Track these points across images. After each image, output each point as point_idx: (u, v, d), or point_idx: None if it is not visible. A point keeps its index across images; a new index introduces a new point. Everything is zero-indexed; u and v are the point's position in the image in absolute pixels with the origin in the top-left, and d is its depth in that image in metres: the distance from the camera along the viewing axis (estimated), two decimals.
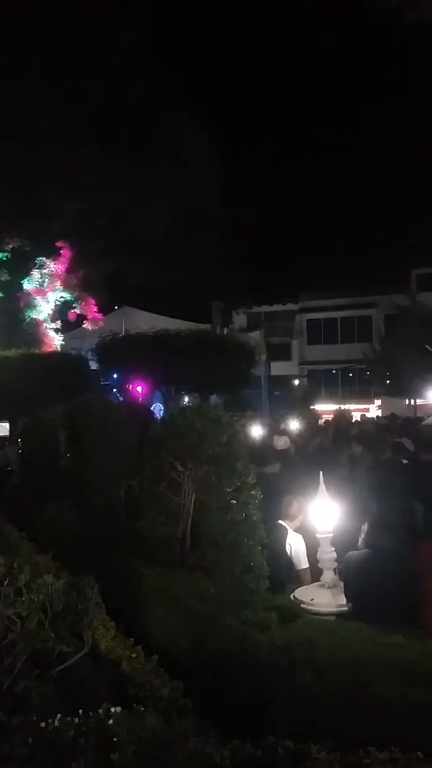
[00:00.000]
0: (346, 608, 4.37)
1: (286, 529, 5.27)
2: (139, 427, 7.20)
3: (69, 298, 18.80)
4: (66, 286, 18.54)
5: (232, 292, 24.20)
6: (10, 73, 16.67)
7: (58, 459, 8.23)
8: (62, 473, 7.96)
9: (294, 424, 13.56)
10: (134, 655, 3.72)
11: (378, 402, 31.21)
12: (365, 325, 34.96)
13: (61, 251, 18.35)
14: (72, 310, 19.00)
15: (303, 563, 5.16)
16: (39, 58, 16.80)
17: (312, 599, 4.58)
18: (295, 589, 4.87)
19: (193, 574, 4.85)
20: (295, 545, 5.20)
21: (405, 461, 7.52)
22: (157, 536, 5.26)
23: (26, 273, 18.20)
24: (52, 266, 18.20)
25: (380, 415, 22.23)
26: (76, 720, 2.05)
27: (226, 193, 21.52)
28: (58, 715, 2.07)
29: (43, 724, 2.04)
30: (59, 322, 19.06)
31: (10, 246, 17.78)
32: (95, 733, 1.98)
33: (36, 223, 17.53)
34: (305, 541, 5.19)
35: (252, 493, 4.39)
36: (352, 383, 35.33)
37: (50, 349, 18.16)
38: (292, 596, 4.72)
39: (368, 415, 22.24)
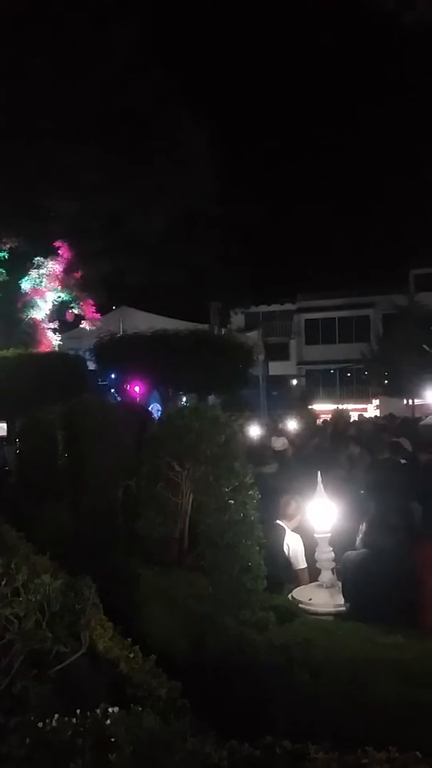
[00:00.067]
0: (344, 608, 4.37)
1: (284, 529, 5.27)
2: (137, 427, 7.20)
3: (67, 298, 18.78)
4: (64, 286, 18.51)
5: (231, 292, 24.19)
6: (10, 73, 16.66)
7: (56, 459, 8.23)
8: (60, 473, 7.96)
9: (292, 424, 13.58)
10: (132, 655, 3.71)
11: (376, 402, 31.25)
12: (363, 325, 35.00)
13: (60, 251, 18.34)
14: (70, 310, 18.98)
15: (301, 563, 5.17)
16: (39, 58, 16.79)
17: (310, 599, 4.58)
18: (293, 589, 4.87)
19: (191, 574, 4.85)
20: (293, 545, 5.20)
21: (403, 461, 7.53)
22: (154, 536, 5.26)
23: (24, 273, 18.17)
24: (51, 266, 18.18)
25: (378, 415, 22.27)
26: (74, 720, 2.04)
27: (226, 193, 21.51)
28: (56, 716, 2.07)
29: (40, 724, 2.03)
30: (57, 322, 19.03)
31: (8, 246, 17.76)
32: (93, 733, 1.97)
33: (34, 223, 17.50)
34: (303, 541, 5.19)
35: (250, 493, 4.39)
36: (350, 383, 35.36)
37: (48, 349, 18.14)
38: (290, 596, 4.72)
39: (366, 415, 22.28)
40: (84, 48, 17.24)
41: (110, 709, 2.09)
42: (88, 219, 18.64)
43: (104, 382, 19.20)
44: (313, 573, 4.97)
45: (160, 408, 16.68)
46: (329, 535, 4.76)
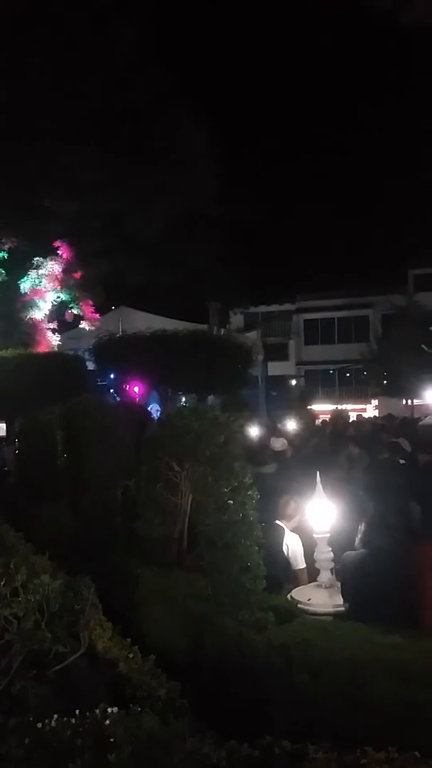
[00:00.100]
0: (343, 608, 4.38)
1: (283, 529, 5.28)
2: (136, 428, 7.19)
3: (66, 299, 18.77)
4: (63, 287, 18.50)
5: (230, 293, 24.19)
6: (10, 73, 16.65)
7: (55, 459, 8.22)
8: (59, 474, 7.95)
9: (291, 425, 13.58)
10: (131, 656, 3.71)
11: (375, 402, 31.25)
12: (362, 326, 35.01)
13: (59, 251, 18.33)
14: (69, 311, 18.97)
15: (300, 563, 5.17)
16: (39, 58, 16.77)
17: (309, 599, 4.59)
18: (292, 589, 4.88)
19: (190, 575, 4.85)
20: (292, 545, 5.21)
21: (402, 461, 7.53)
22: (154, 536, 5.26)
23: (24, 273, 18.16)
24: (50, 266, 18.17)
25: (377, 415, 22.27)
26: (73, 720, 2.04)
27: (226, 193, 21.51)
28: (55, 716, 2.07)
29: (39, 725, 2.04)
30: (56, 322, 19.02)
31: (8, 246, 17.75)
32: (92, 733, 1.98)
33: (34, 223, 17.49)
34: (302, 542, 5.20)
35: (249, 493, 4.39)
36: (349, 383, 35.36)
37: (47, 350, 18.12)
38: (289, 596, 4.73)
39: (365, 415, 22.28)
40: (84, 48, 17.23)
41: (109, 710, 2.09)
42: (87, 219, 18.63)
43: (103, 383, 19.18)
44: (312, 573, 4.98)
45: (159, 408, 16.66)
46: (328, 535, 4.76)
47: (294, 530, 5.30)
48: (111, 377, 18.87)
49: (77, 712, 2.09)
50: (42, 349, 18.01)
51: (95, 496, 6.68)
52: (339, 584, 4.56)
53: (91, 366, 17.84)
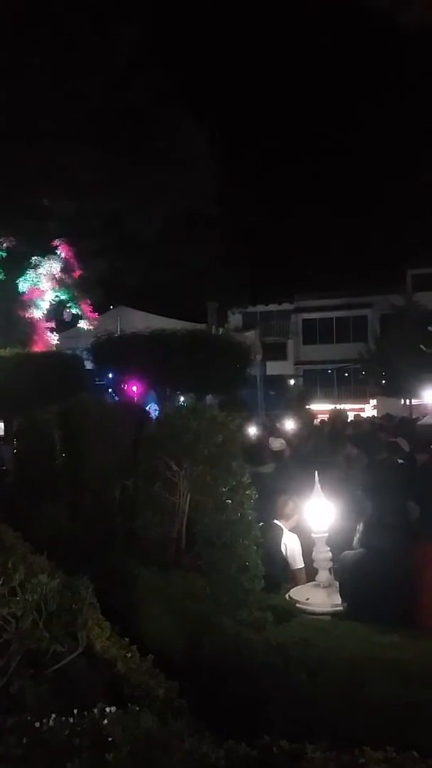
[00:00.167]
0: (341, 608, 4.38)
1: (282, 528, 5.28)
2: (135, 427, 7.19)
3: (65, 298, 18.76)
4: (62, 286, 18.50)
5: (229, 292, 24.22)
6: (10, 73, 16.63)
7: (53, 459, 8.21)
8: (57, 473, 7.93)
9: (289, 424, 13.57)
10: (129, 655, 3.71)
11: (373, 402, 31.28)
12: (361, 325, 35.02)
13: (58, 251, 18.33)
14: (68, 310, 18.97)
15: (298, 563, 5.17)
16: (39, 58, 16.76)
17: (307, 599, 4.59)
18: (291, 588, 4.88)
19: (189, 574, 4.84)
20: (290, 545, 5.21)
21: (400, 461, 7.53)
22: (152, 536, 5.25)
23: (22, 272, 18.15)
24: (49, 265, 18.16)
25: (375, 415, 22.28)
26: (71, 720, 2.04)
27: (225, 193, 21.52)
28: (53, 715, 2.07)
29: (37, 724, 2.03)
30: (54, 321, 19.02)
31: (6, 245, 17.74)
32: (90, 733, 1.97)
33: (33, 222, 17.49)
34: (300, 541, 5.20)
35: (247, 492, 4.39)
36: (348, 383, 35.38)
37: (45, 349, 18.12)
38: (287, 596, 4.73)
39: (363, 415, 22.27)
40: (84, 48, 17.22)
41: (107, 709, 2.09)
42: (87, 219, 18.64)
43: (102, 382, 19.19)
44: (310, 573, 4.98)
45: (157, 408, 16.67)
46: (326, 534, 4.76)
47: (292, 530, 5.30)
48: (109, 376, 18.88)
49: (75, 711, 2.09)
50: (40, 348, 18.01)
51: (93, 495, 6.67)
52: (337, 584, 4.56)
53: (89, 365, 17.85)
